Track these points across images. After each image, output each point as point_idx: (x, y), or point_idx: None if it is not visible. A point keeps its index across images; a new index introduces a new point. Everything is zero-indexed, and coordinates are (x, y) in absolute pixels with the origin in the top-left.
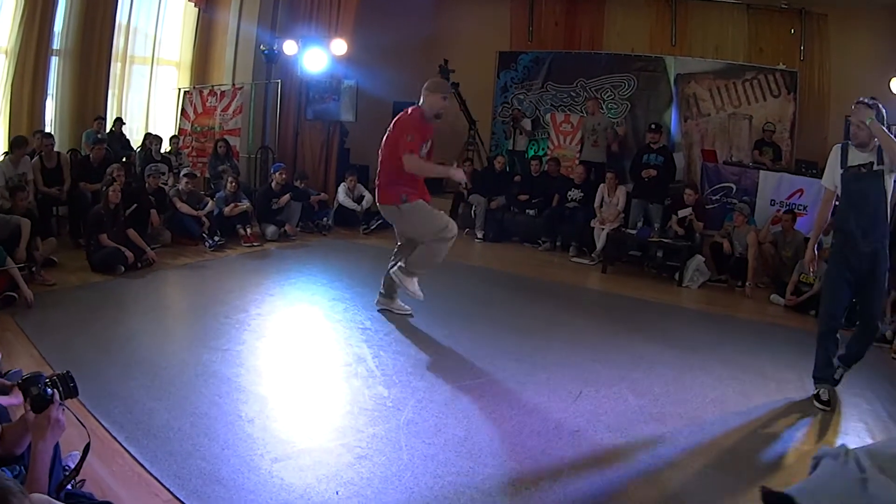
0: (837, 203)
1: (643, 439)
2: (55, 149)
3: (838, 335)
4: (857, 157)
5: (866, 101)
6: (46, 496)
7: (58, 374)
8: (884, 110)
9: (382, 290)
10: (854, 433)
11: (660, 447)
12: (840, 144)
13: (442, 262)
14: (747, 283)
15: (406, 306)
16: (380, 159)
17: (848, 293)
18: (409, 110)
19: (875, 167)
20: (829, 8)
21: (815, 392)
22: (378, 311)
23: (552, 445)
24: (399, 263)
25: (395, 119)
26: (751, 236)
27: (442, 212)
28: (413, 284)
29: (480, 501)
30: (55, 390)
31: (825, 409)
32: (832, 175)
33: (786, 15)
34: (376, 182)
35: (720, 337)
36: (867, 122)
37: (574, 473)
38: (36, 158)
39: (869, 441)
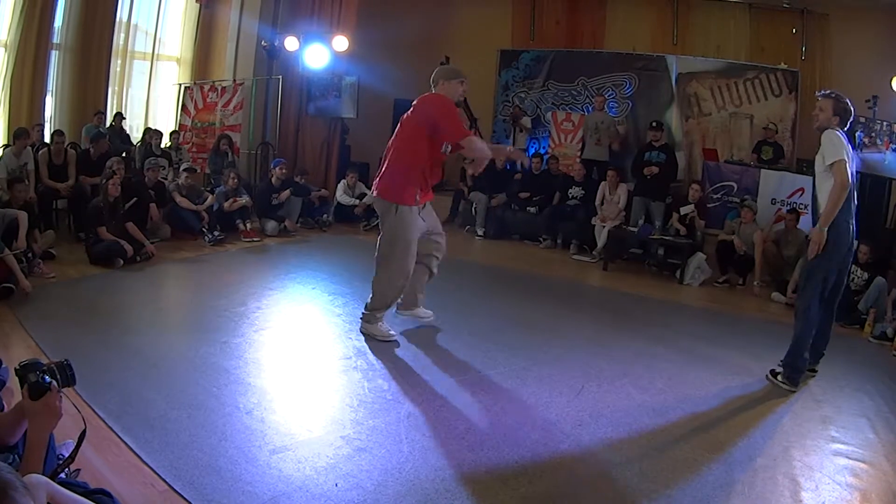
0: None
1: (646, 434)
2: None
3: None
4: None
5: (825, 92)
6: (45, 477)
7: (56, 363)
8: (848, 102)
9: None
10: (855, 428)
11: (662, 442)
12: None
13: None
14: (755, 283)
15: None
16: (391, 151)
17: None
18: (433, 95)
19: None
20: (830, 8)
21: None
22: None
23: (554, 439)
24: (362, 312)
25: (415, 105)
26: (757, 235)
27: (413, 255)
28: (380, 328)
29: (482, 494)
30: (53, 378)
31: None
32: None
33: (787, 14)
34: (379, 176)
35: (721, 334)
36: None
37: (577, 467)
38: (44, 151)
39: (871, 436)
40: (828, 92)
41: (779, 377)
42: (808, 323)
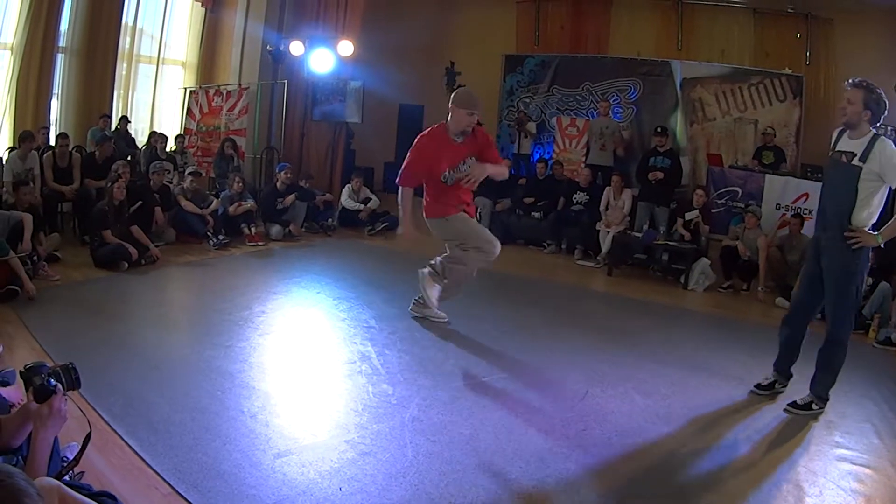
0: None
1: (650, 439)
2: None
3: (796, 329)
4: (845, 144)
5: (854, 81)
6: (57, 480)
7: (61, 366)
8: (881, 93)
9: (418, 298)
10: (860, 433)
11: (667, 447)
12: (840, 127)
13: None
14: (759, 288)
15: (442, 313)
16: None
17: (809, 287)
18: (431, 130)
19: (855, 161)
20: (835, 12)
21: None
22: (412, 317)
23: (559, 444)
24: (437, 283)
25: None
26: (761, 240)
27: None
28: (433, 308)
29: (486, 499)
30: (58, 381)
31: (758, 392)
32: None
33: (792, 19)
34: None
35: (726, 339)
36: None
37: (581, 472)
38: (48, 154)
39: (876, 442)
40: (858, 81)
41: (813, 406)
42: (844, 346)
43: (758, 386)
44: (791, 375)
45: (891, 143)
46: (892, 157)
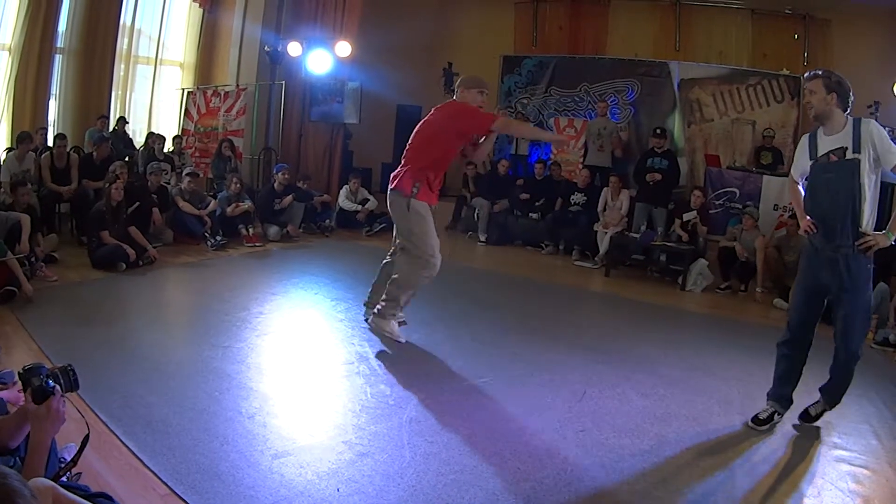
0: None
1: (648, 440)
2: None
3: (799, 350)
4: (827, 143)
5: (809, 73)
6: (51, 481)
7: (59, 367)
8: (840, 76)
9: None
10: (857, 434)
11: (665, 448)
12: (808, 133)
13: (414, 296)
14: (757, 289)
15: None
16: (408, 148)
17: (811, 303)
18: (448, 104)
19: (849, 155)
20: (832, 13)
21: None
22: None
23: (556, 445)
24: (375, 308)
25: (437, 109)
26: (759, 241)
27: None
28: (391, 326)
29: (483, 500)
30: (57, 382)
31: (755, 427)
32: (801, 166)
33: (789, 20)
34: (399, 169)
35: (724, 340)
36: None
37: (578, 473)
38: (46, 155)
39: (874, 443)
40: (813, 72)
41: (815, 411)
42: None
43: (755, 420)
44: (791, 402)
45: (875, 122)
46: (885, 136)
